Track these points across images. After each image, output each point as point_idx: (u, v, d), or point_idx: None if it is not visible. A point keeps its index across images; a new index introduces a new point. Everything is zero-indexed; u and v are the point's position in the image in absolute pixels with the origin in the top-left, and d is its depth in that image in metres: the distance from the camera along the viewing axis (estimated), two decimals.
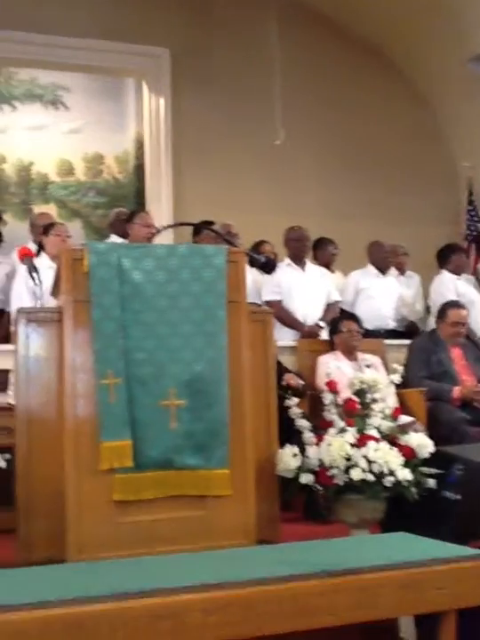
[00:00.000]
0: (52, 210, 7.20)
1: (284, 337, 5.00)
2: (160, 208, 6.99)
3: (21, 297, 4.76)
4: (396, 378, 3.36)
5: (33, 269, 3.27)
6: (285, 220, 5.78)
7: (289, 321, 5.21)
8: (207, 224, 4.92)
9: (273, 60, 6.11)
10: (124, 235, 5.52)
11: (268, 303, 5.13)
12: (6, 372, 4.08)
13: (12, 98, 7.77)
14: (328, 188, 7.38)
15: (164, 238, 5.11)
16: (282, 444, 3.13)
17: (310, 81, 7.45)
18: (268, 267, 3.33)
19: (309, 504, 3.72)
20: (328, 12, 7.53)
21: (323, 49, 7.55)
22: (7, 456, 2.77)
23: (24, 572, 2.36)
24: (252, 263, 3.47)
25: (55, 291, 3.17)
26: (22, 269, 4.81)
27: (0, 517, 2.95)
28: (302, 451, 3.07)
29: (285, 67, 6.42)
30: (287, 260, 5.39)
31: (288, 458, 3.03)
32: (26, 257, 3.40)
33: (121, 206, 6.57)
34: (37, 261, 3.95)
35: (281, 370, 3.43)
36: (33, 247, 4.93)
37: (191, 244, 3.19)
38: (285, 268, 5.27)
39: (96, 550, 2.65)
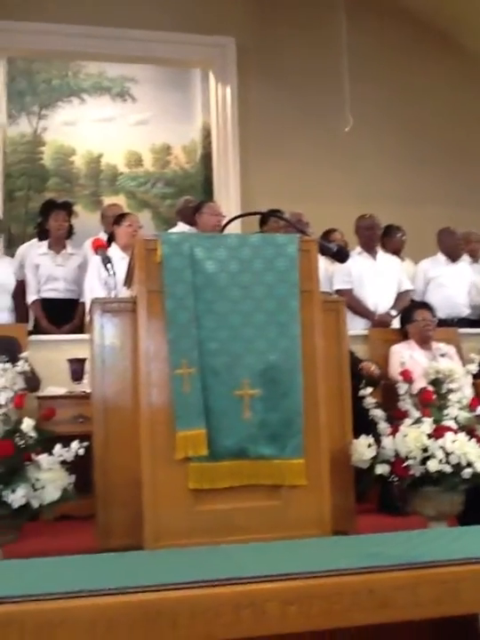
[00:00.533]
0: (121, 201, 7.28)
1: (356, 326, 4.95)
2: (228, 197, 7.00)
3: (93, 288, 4.83)
4: (473, 368, 3.29)
5: (107, 260, 3.31)
6: (355, 208, 5.72)
7: (360, 310, 5.16)
8: (276, 213, 4.91)
9: (340, 47, 6.04)
10: (191, 222, 5.56)
11: (339, 292, 5.09)
12: (82, 361, 4.15)
13: (80, 91, 7.88)
14: (397, 175, 7.27)
15: (232, 228, 5.12)
16: (356, 435, 3.10)
17: (378, 67, 7.35)
18: (340, 255, 3.29)
19: (384, 495, 3.69)
20: None
21: (390, 35, 7.43)
22: (85, 444, 2.81)
23: (104, 557, 2.40)
24: (324, 252, 3.43)
25: (128, 281, 3.20)
26: (94, 260, 4.89)
27: (79, 504, 2.98)
28: (377, 441, 3.04)
29: (353, 53, 6.34)
30: (358, 249, 5.33)
31: (363, 448, 3.00)
32: (99, 248, 3.45)
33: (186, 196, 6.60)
34: (109, 252, 4.00)
35: (354, 360, 3.39)
36: (104, 238, 4.98)
37: (263, 233, 3.17)
38: (356, 257, 5.22)
39: (172, 538, 2.67)
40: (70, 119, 7.79)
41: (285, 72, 7.25)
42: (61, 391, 4.21)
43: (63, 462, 2.81)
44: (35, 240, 5.63)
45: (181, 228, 5.77)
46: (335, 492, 2.87)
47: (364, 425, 3.16)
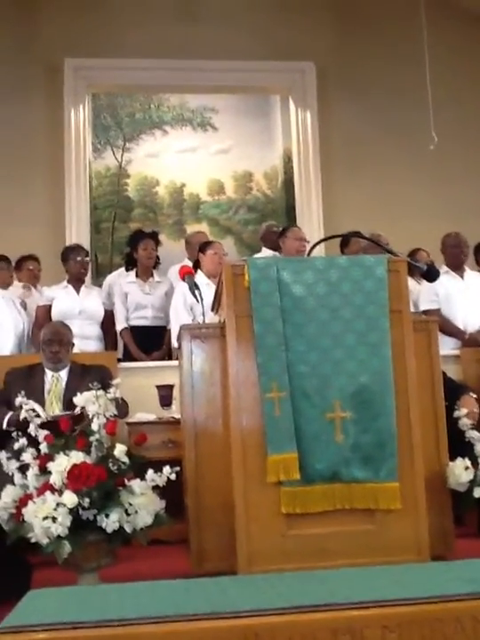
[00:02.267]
0: (204, 228, 7.38)
1: (445, 346, 4.85)
2: (310, 221, 7.00)
3: (179, 314, 4.89)
4: None
5: (194, 286, 3.35)
6: (440, 227, 5.61)
7: (449, 329, 5.05)
8: (356, 235, 4.88)
9: (422, 63, 5.97)
10: (274, 247, 5.58)
11: (426, 312, 5.00)
12: (170, 387, 4.19)
13: (163, 123, 8.06)
14: None
15: (315, 252, 5.11)
16: (451, 457, 3.03)
17: (462, 82, 7.25)
18: (430, 274, 3.24)
19: None
20: (478, 11, 7.30)
21: (474, 48, 7.33)
22: (177, 468, 2.83)
23: (199, 582, 2.39)
24: (412, 272, 3.38)
25: (216, 306, 3.23)
26: (180, 287, 4.97)
27: (170, 529, 3.00)
28: (474, 464, 2.96)
29: (436, 68, 6.24)
30: (444, 268, 5.23)
31: (460, 471, 2.93)
32: (187, 274, 3.49)
33: (269, 222, 6.63)
34: (196, 279, 4.04)
35: (447, 381, 3.31)
36: (190, 265, 5.04)
37: (351, 255, 3.16)
38: (442, 276, 5.11)
39: (265, 562, 2.66)
40: (153, 151, 7.97)
41: (366, 92, 7.23)
42: (150, 417, 4.26)
43: (155, 487, 2.83)
44: (121, 270, 5.75)
45: (265, 253, 5.80)
46: (432, 516, 2.80)
47: (459, 447, 3.08)
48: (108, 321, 5.33)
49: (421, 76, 6.03)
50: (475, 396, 3.88)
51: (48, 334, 4.13)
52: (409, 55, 6.84)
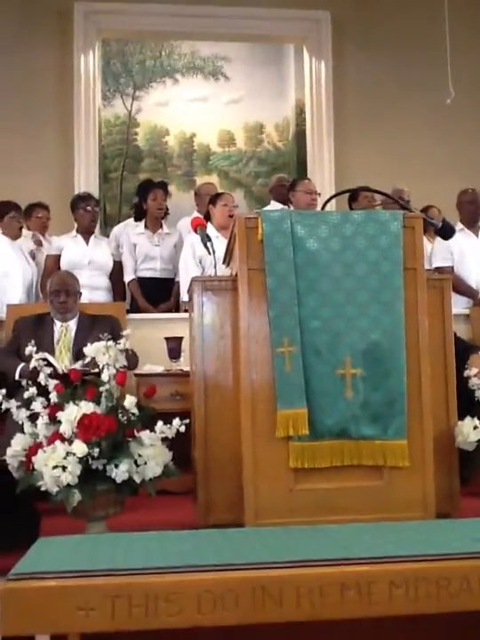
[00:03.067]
0: (213, 180, 7.31)
1: (456, 305, 4.81)
2: (322, 175, 6.91)
3: (188, 267, 4.87)
4: None
5: (207, 238, 3.31)
6: (455, 184, 5.54)
7: (462, 288, 5.01)
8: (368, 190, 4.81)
9: (441, 15, 5.82)
10: (284, 200, 5.52)
11: (439, 270, 4.97)
12: (179, 339, 4.19)
13: (174, 71, 7.93)
14: None
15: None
16: (460, 417, 3.03)
17: None
18: (445, 231, 3.20)
19: None
20: None
21: None
22: (186, 421, 2.83)
23: (207, 533, 2.41)
24: (426, 228, 3.33)
25: (227, 259, 3.20)
26: (189, 239, 4.93)
27: (176, 480, 3.01)
28: None
29: (455, 21, 6.07)
30: (459, 225, 5.16)
31: (468, 430, 2.93)
32: (199, 226, 3.45)
33: (279, 174, 6.55)
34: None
35: (458, 341, 3.29)
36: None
37: (367, 210, 3.12)
38: (457, 234, 5.04)
39: (272, 516, 2.68)
40: (164, 100, 7.86)
41: (383, 44, 7.06)
42: (159, 369, 4.26)
43: (163, 439, 2.84)
44: (129, 220, 5.71)
45: (274, 206, 5.74)
46: (439, 474, 2.81)
47: (468, 406, 3.08)
48: (116, 272, 5.30)
49: (440, 30, 5.88)
50: None
51: (55, 285, 4.11)
52: (427, 7, 6.68)
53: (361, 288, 2.74)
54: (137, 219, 5.49)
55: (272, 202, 5.89)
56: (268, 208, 5.79)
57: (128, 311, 4.96)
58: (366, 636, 2.21)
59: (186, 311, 4.46)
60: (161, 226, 5.41)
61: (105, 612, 1.86)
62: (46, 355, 3.16)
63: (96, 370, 2.97)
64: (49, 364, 3.18)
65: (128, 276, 5.28)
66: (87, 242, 5.16)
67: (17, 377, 3.72)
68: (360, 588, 1.92)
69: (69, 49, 6.88)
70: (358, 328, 2.73)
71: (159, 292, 5.28)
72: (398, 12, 7.06)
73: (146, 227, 5.38)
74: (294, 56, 7.73)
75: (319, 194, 5.25)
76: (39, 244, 5.49)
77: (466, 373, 3.14)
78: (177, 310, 5.20)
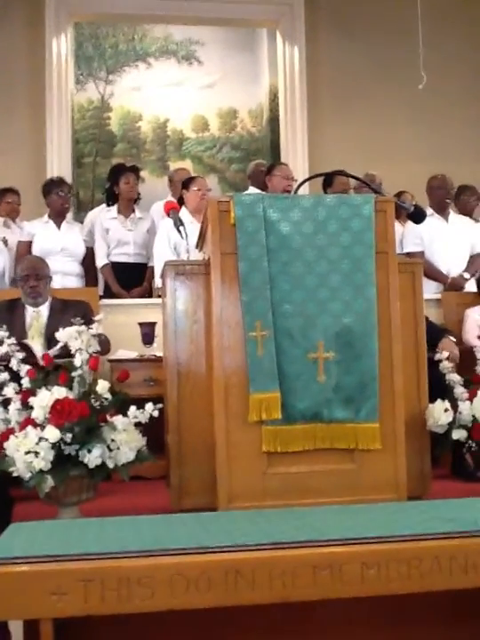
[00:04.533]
0: (187, 166, 7.26)
1: (427, 290, 4.83)
2: (295, 160, 6.88)
3: (162, 251, 4.84)
4: None
5: (179, 223, 3.30)
6: (427, 169, 5.55)
7: (432, 273, 5.04)
8: (345, 173, 4.81)
9: (413, 1, 5.82)
10: (262, 187, 5.49)
11: (410, 255, 4.98)
12: (152, 324, 4.17)
13: (147, 55, 7.86)
14: (473, 134, 7.02)
15: (300, 191, 5.05)
16: (431, 400, 3.05)
17: (454, 20, 7.08)
18: (416, 216, 3.21)
19: (457, 461, 3.62)
20: None
21: None
22: (160, 406, 2.83)
23: (180, 517, 2.42)
24: (398, 213, 3.35)
25: (200, 243, 3.19)
26: (163, 224, 4.90)
27: (149, 465, 3.01)
28: (454, 406, 2.98)
29: (426, 8, 6.09)
30: (429, 210, 5.19)
31: (439, 413, 2.95)
32: (172, 210, 3.43)
33: (256, 160, 6.54)
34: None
35: (429, 325, 3.31)
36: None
37: (339, 194, 3.12)
38: (428, 219, 5.07)
39: (245, 500, 2.69)
40: (137, 84, 7.78)
41: (356, 28, 7.04)
42: (132, 355, 4.24)
43: (136, 424, 2.83)
44: (103, 205, 5.66)
45: (252, 191, 5.71)
46: (410, 457, 2.84)
47: (439, 390, 3.11)
48: (89, 258, 5.26)
49: (413, 14, 5.87)
50: (454, 339, 3.90)
51: (24, 269, 4.08)
52: None
53: (333, 271, 2.75)
54: (108, 203, 5.45)
55: (251, 187, 5.85)
56: (246, 193, 5.78)
57: (101, 297, 4.93)
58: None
59: (159, 296, 4.45)
60: (133, 210, 5.38)
61: (78, 596, 1.86)
62: (29, 342, 3.12)
63: (70, 357, 2.95)
64: (26, 350, 3.15)
65: (100, 261, 5.25)
66: (59, 227, 5.11)
67: None
68: (332, 570, 1.94)
69: (41, 32, 6.78)
70: (330, 312, 2.73)
71: (132, 277, 5.25)
72: None
73: (119, 211, 5.34)
74: (268, 41, 7.69)
75: (296, 179, 5.25)
76: (7, 225, 5.42)
77: (437, 357, 3.16)
78: (150, 295, 5.18)
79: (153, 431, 2.96)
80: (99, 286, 5.31)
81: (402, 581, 1.96)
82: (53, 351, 3.23)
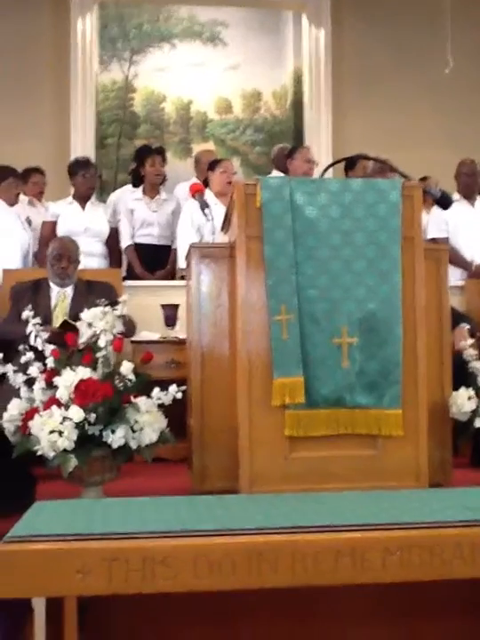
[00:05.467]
0: (210, 148, 7.24)
1: (451, 277, 4.80)
2: (319, 144, 6.86)
3: (186, 233, 4.84)
4: None
5: (205, 205, 3.29)
6: (452, 155, 5.51)
7: (456, 260, 5.00)
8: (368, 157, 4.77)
9: None
10: (285, 170, 5.48)
11: (435, 241, 4.95)
12: (175, 307, 4.18)
13: (171, 36, 7.82)
14: None
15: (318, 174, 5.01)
16: (455, 388, 3.04)
17: None
18: (443, 201, 3.18)
19: (477, 449, 3.61)
20: None
21: None
22: (183, 388, 2.83)
23: (203, 499, 2.43)
24: (425, 198, 3.31)
25: (225, 226, 3.18)
26: (188, 206, 4.90)
27: (171, 447, 3.02)
28: (478, 394, 2.97)
29: None
30: (456, 196, 5.15)
31: (463, 400, 2.94)
32: (197, 192, 3.43)
33: (279, 143, 6.50)
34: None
35: (453, 313, 3.29)
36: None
37: (365, 178, 3.10)
38: (454, 205, 5.01)
39: (267, 483, 2.69)
40: (161, 65, 7.76)
41: (382, 12, 6.97)
42: (155, 336, 4.26)
43: (158, 406, 2.84)
44: (127, 186, 5.66)
45: (276, 175, 5.70)
46: (432, 444, 2.83)
47: (463, 378, 3.09)
48: (112, 239, 5.27)
49: None
50: (468, 326, 3.87)
51: (57, 249, 4.09)
52: None
53: (359, 257, 2.73)
54: (134, 184, 5.45)
55: (274, 171, 5.84)
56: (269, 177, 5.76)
57: (124, 278, 4.95)
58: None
59: (182, 278, 4.45)
60: (158, 192, 5.38)
61: (102, 575, 1.87)
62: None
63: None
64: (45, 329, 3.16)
65: (125, 242, 5.26)
66: (83, 208, 5.12)
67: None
68: (354, 555, 1.94)
69: (66, 13, 6.79)
70: (355, 297, 2.72)
71: (156, 259, 5.26)
72: None
73: (143, 193, 5.34)
74: (293, 23, 7.63)
75: (317, 163, 5.22)
76: (32, 205, 5.45)
77: (462, 344, 3.14)
78: (173, 277, 5.19)
79: (174, 413, 2.97)
80: (122, 267, 5.32)
81: (424, 568, 1.96)
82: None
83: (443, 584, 2.07)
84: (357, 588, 2.02)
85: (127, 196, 5.39)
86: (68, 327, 3.37)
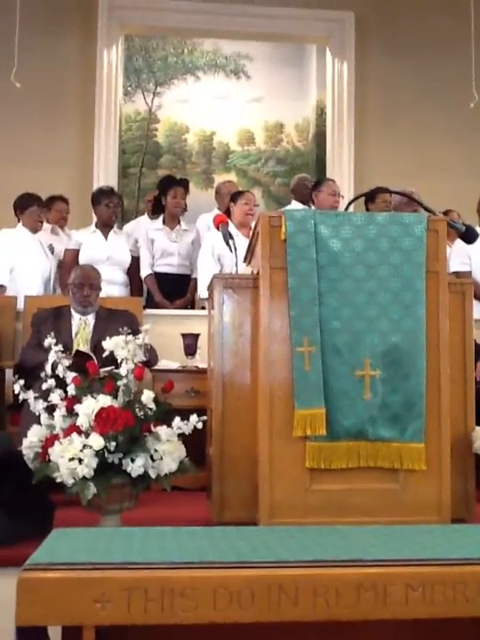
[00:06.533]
0: (232, 178, 7.31)
1: (474, 311, 4.77)
2: (341, 176, 6.88)
3: (206, 264, 4.86)
4: None
5: (229, 236, 3.31)
6: (476, 187, 5.51)
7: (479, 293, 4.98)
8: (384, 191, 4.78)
9: (467, 18, 5.78)
10: (305, 200, 5.51)
11: (457, 274, 4.93)
12: (195, 336, 4.19)
13: (195, 69, 7.95)
14: None
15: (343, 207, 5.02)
16: (478, 422, 3.01)
17: None
18: (468, 235, 3.18)
19: None
20: None
21: None
22: (204, 417, 2.83)
23: (223, 530, 2.41)
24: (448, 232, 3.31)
25: (248, 258, 3.20)
26: (209, 237, 4.93)
27: (190, 476, 3.01)
28: None
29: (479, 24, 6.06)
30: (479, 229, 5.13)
31: None
32: (221, 223, 3.45)
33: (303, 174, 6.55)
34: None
35: (476, 347, 3.28)
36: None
37: (391, 212, 3.11)
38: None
39: (287, 515, 2.68)
40: (184, 97, 7.88)
41: (406, 45, 7.01)
42: (174, 365, 4.26)
43: (178, 435, 2.84)
44: (142, 217, 5.70)
45: (295, 205, 5.73)
46: (455, 479, 2.81)
47: None
48: (134, 267, 5.31)
49: (465, 31, 5.85)
50: None
51: (79, 277, 4.12)
52: (452, 8, 6.63)
53: (382, 290, 2.74)
54: (154, 213, 5.49)
55: (293, 202, 5.88)
56: (288, 207, 5.79)
57: (144, 307, 4.97)
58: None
59: (203, 308, 4.46)
60: (179, 222, 5.42)
61: (121, 605, 1.86)
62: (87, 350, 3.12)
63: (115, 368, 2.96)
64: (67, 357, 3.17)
65: (145, 271, 5.28)
66: (106, 237, 5.16)
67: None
68: (376, 590, 1.92)
69: (93, 44, 6.88)
70: (379, 330, 2.72)
71: (175, 288, 5.28)
72: (423, 12, 7.01)
73: (164, 222, 5.38)
74: (317, 56, 7.72)
75: (342, 196, 5.24)
76: (55, 233, 5.50)
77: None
78: (193, 306, 5.20)
79: (193, 442, 2.96)
80: (142, 296, 5.35)
81: (446, 605, 1.93)
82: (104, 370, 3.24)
83: (468, 621, 2.03)
84: (380, 624, 1.99)
85: (148, 226, 5.43)
86: (82, 356, 3.38)
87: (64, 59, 6.87)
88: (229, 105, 7.89)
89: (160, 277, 5.30)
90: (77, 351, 3.61)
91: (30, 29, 6.67)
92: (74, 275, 4.17)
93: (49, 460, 2.73)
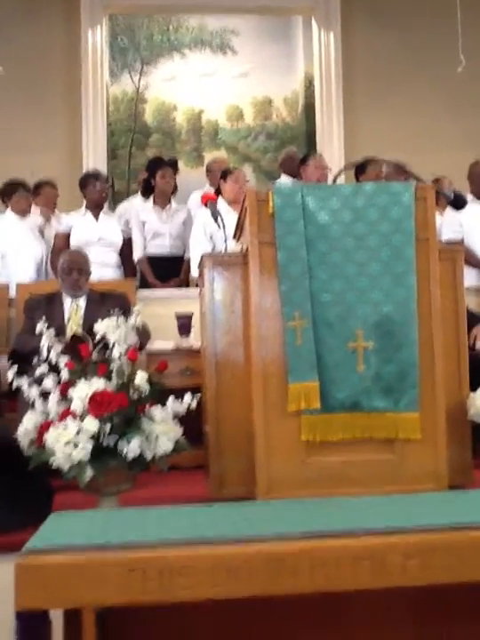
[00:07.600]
0: (222, 155, 7.25)
1: (467, 278, 4.76)
2: (331, 148, 6.84)
3: (199, 243, 4.84)
4: None
5: (216, 214, 3.29)
6: (466, 156, 5.46)
7: (471, 261, 4.96)
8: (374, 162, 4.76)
9: None
10: (293, 174, 5.49)
11: (448, 243, 4.91)
12: (189, 316, 4.17)
13: (181, 46, 7.85)
14: None
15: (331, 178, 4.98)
16: (472, 389, 3.01)
17: None
18: (457, 202, 3.17)
19: None
20: None
21: None
22: (198, 396, 2.83)
23: (220, 507, 2.41)
24: (438, 200, 3.30)
25: (238, 234, 3.18)
26: (200, 215, 4.90)
27: (187, 455, 3.01)
28: None
29: None
30: (470, 197, 5.11)
31: None
32: (209, 201, 3.43)
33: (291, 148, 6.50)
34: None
35: (469, 314, 3.27)
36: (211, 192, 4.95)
37: (378, 182, 3.09)
38: (468, 205, 5.00)
39: (284, 489, 2.69)
40: (171, 75, 7.80)
41: (392, 13, 6.93)
42: (169, 345, 4.25)
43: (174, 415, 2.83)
44: (134, 197, 5.67)
45: (284, 180, 5.70)
46: (451, 447, 2.81)
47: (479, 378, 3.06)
48: (126, 248, 5.28)
49: None
50: None
51: (67, 262, 4.11)
52: None
53: (373, 260, 2.72)
54: (144, 195, 5.46)
55: (282, 176, 5.85)
56: (277, 182, 5.77)
57: (137, 288, 4.95)
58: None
59: (196, 286, 4.44)
60: (169, 202, 5.38)
61: (119, 585, 1.86)
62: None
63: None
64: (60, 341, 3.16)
65: (137, 254, 5.26)
66: (96, 218, 5.14)
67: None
68: (374, 560, 1.92)
69: (76, 24, 6.81)
70: (370, 300, 2.71)
71: (168, 270, 5.26)
72: None
73: (154, 203, 5.35)
74: (303, 28, 7.64)
75: (330, 169, 5.21)
76: (48, 219, 5.47)
77: (478, 345, 3.11)
78: (186, 286, 5.18)
79: (189, 421, 2.96)
80: (136, 277, 5.33)
81: (444, 572, 1.93)
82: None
83: (472, 587, 2.03)
84: (384, 593, 2.00)
85: (138, 207, 5.40)
86: (78, 340, 3.37)
87: (48, 40, 6.79)
88: (217, 82, 7.80)
89: (152, 259, 5.28)
90: (74, 335, 3.60)
91: (11, 11, 6.60)
92: (62, 260, 4.16)
93: (45, 446, 2.73)
